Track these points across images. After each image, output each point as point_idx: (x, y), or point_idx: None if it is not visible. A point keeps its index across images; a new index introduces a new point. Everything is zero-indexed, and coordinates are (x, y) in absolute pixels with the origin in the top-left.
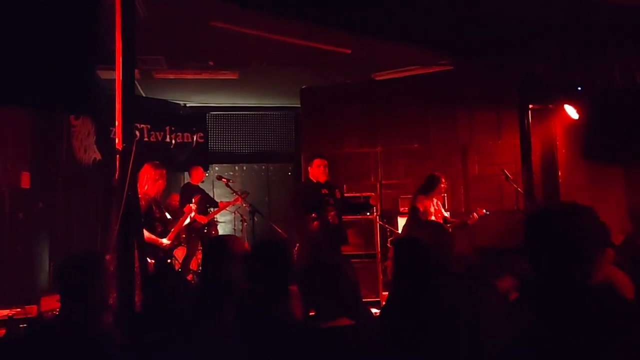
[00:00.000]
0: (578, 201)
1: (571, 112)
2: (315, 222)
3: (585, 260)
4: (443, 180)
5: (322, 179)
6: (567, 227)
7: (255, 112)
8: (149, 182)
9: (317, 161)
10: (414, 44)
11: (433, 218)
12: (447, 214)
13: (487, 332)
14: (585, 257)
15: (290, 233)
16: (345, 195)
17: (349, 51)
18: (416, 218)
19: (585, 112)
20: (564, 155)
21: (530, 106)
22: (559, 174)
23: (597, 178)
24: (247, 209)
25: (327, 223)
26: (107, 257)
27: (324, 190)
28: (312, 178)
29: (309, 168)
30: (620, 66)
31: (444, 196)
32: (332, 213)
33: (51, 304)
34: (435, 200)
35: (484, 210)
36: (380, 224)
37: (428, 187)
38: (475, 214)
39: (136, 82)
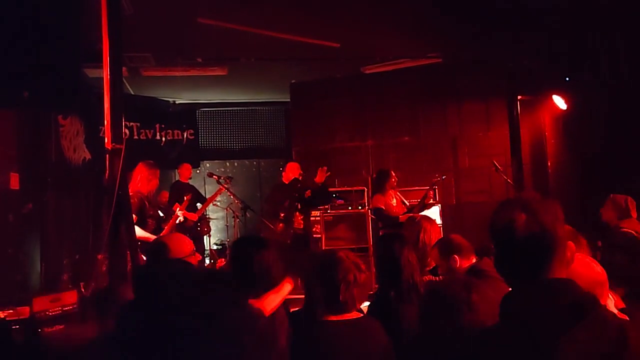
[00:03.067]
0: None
1: (559, 102)
2: (281, 225)
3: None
4: (392, 174)
5: (297, 178)
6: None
7: (245, 108)
8: (143, 180)
9: (290, 165)
10: (402, 37)
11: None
12: (407, 202)
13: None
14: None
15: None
16: (338, 189)
17: (338, 45)
18: (385, 218)
19: (573, 102)
20: (553, 145)
21: (519, 97)
22: (548, 164)
23: (585, 168)
24: (239, 205)
25: (291, 226)
26: (99, 256)
27: (295, 194)
28: (285, 181)
29: (282, 172)
30: (607, 57)
31: (435, 189)
32: (299, 218)
33: (43, 304)
34: (392, 194)
35: (440, 177)
36: (372, 218)
37: (381, 184)
38: (430, 190)
39: (124, 80)
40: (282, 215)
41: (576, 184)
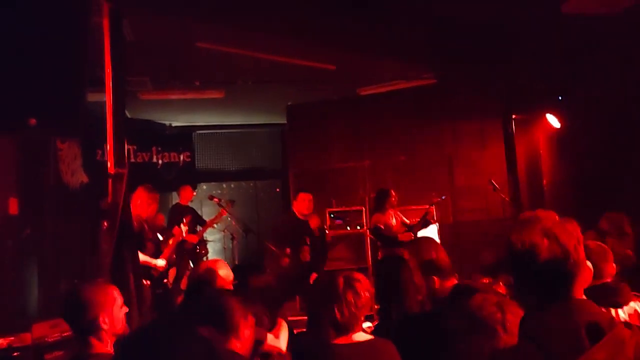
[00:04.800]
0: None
1: (553, 121)
2: (286, 259)
3: None
4: (392, 193)
5: (306, 213)
6: None
7: (242, 130)
8: (142, 205)
9: (301, 195)
10: (398, 59)
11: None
12: (407, 221)
13: None
14: None
15: (265, 256)
16: (336, 210)
17: (334, 67)
18: (384, 237)
19: (567, 121)
20: (548, 163)
21: (514, 116)
22: (544, 182)
23: (579, 186)
24: (237, 227)
25: (298, 260)
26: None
27: (306, 229)
28: (296, 212)
29: (293, 202)
30: (598, 75)
31: (434, 208)
32: (306, 253)
33: (43, 330)
34: (392, 213)
35: (440, 197)
36: (371, 238)
37: (380, 204)
38: (431, 207)
39: None
40: (288, 251)
41: (571, 201)
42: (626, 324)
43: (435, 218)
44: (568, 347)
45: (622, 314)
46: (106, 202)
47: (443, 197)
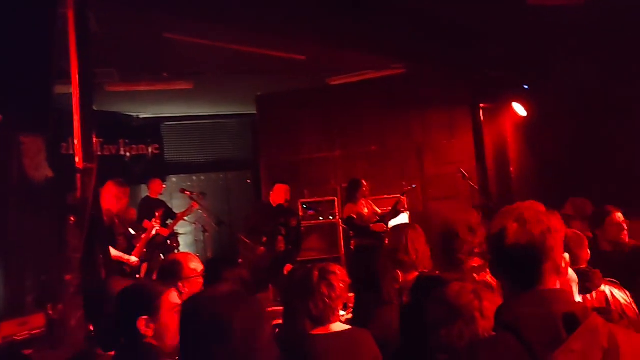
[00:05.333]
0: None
1: (519, 109)
2: (262, 248)
3: None
4: (364, 183)
5: (283, 204)
6: None
7: (211, 121)
8: (112, 199)
9: (278, 186)
10: (366, 49)
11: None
12: (379, 210)
13: None
14: None
15: (239, 247)
16: (308, 200)
17: (304, 58)
18: (356, 227)
19: (532, 109)
20: (515, 151)
21: (482, 105)
22: (511, 169)
23: (545, 172)
24: (209, 219)
25: (273, 251)
26: (67, 277)
27: (281, 219)
28: (272, 202)
29: (270, 192)
30: (564, 64)
31: (404, 197)
32: (281, 243)
33: (11, 329)
34: (364, 202)
35: (411, 186)
36: (343, 228)
37: (352, 194)
38: (401, 196)
39: None
40: (264, 239)
41: (538, 187)
42: (599, 310)
43: (405, 207)
44: (547, 338)
45: (590, 298)
46: (74, 196)
47: (413, 186)
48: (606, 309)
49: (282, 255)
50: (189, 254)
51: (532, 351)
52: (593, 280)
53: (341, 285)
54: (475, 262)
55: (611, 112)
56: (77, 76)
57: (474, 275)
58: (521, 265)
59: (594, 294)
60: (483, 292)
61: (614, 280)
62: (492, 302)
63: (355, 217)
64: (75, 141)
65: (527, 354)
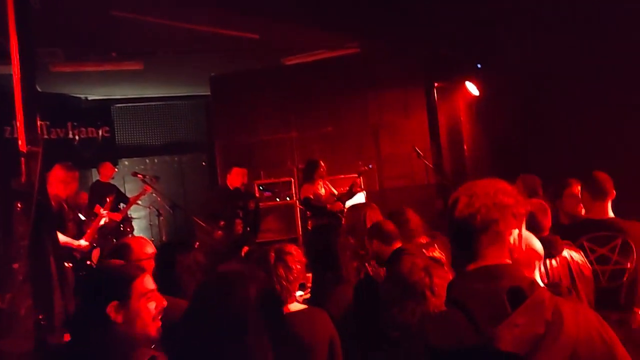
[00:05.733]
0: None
1: (472, 88)
2: (219, 232)
3: None
4: (321, 164)
5: (241, 187)
6: None
7: (164, 102)
8: (60, 185)
9: (235, 170)
10: (320, 27)
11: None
12: (335, 191)
13: None
14: None
15: (195, 230)
16: (265, 182)
17: (257, 36)
18: (313, 207)
19: (485, 88)
20: (468, 129)
21: (435, 84)
22: (465, 147)
23: (497, 150)
24: (164, 203)
25: (231, 234)
26: (15, 265)
27: (239, 202)
28: (229, 186)
29: (227, 175)
30: (514, 44)
31: (361, 178)
32: (240, 227)
33: None
34: (321, 183)
35: (367, 166)
36: (300, 209)
37: (309, 174)
38: (357, 176)
39: None
40: (222, 223)
41: (491, 165)
42: (550, 285)
43: (362, 186)
44: (491, 313)
45: (555, 263)
46: (19, 182)
47: (370, 166)
48: (557, 284)
49: (240, 237)
50: (140, 237)
51: (476, 326)
52: (556, 247)
53: (298, 266)
54: (423, 239)
55: (560, 91)
56: (17, 55)
57: (424, 250)
58: (462, 236)
59: (557, 259)
60: (434, 268)
61: (568, 242)
62: (442, 279)
63: (312, 197)
64: (18, 124)
65: (473, 329)
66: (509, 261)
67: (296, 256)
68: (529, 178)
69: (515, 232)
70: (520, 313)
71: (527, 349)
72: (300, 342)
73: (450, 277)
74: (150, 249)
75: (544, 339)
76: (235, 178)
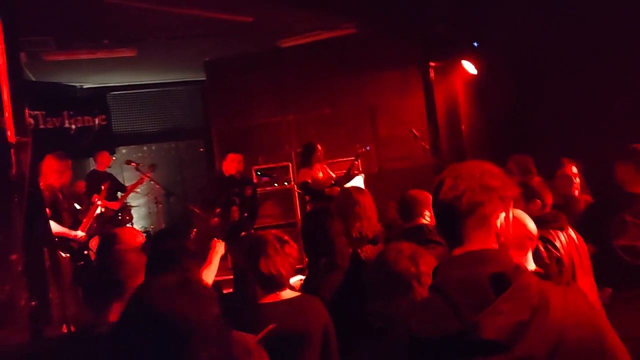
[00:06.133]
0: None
1: (469, 67)
2: (216, 219)
3: None
4: (318, 147)
5: (236, 174)
6: None
7: (160, 89)
8: (54, 174)
9: (230, 156)
10: (315, 8)
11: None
12: (333, 175)
13: None
14: None
15: (192, 218)
16: (263, 167)
17: (251, 19)
18: (312, 191)
19: (482, 67)
20: (466, 109)
21: (432, 64)
22: (462, 127)
23: (495, 129)
24: (161, 190)
25: (227, 221)
26: (13, 257)
27: (235, 189)
28: (225, 172)
29: (222, 162)
30: (511, 22)
31: (359, 160)
32: (236, 214)
33: None
34: (319, 167)
35: (365, 148)
36: (299, 193)
37: (307, 158)
38: (355, 159)
39: (23, 66)
40: (218, 210)
41: (488, 145)
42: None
43: (360, 169)
44: (474, 300)
45: (564, 239)
46: (10, 173)
47: (367, 148)
48: (547, 265)
49: (237, 224)
50: (128, 227)
51: (458, 313)
52: (564, 220)
53: (293, 252)
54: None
55: (557, 69)
56: (2, 44)
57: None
58: (447, 220)
59: (566, 234)
60: (421, 256)
61: None
62: (429, 267)
63: (310, 181)
64: (6, 114)
65: (455, 317)
66: (495, 246)
67: (291, 243)
68: (521, 158)
69: (502, 215)
70: (504, 300)
71: (511, 337)
72: (292, 330)
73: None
74: (139, 239)
75: (528, 326)
76: (231, 165)
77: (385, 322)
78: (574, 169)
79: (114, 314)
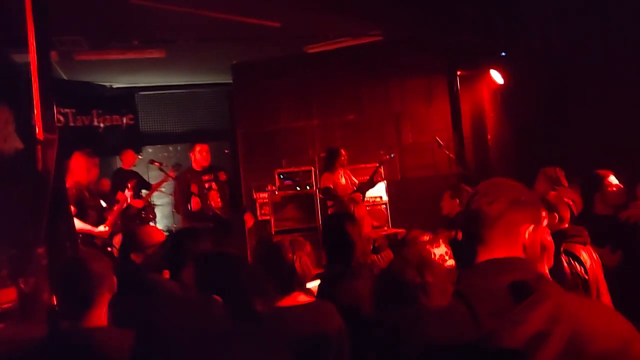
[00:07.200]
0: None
1: (496, 77)
2: (197, 200)
3: None
4: (342, 152)
5: (205, 164)
6: None
7: (187, 90)
8: (81, 171)
9: (197, 147)
10: (342, 15)
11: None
12: (356, 181)
13: None
14: None
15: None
16: (291, 170)
17: (278, 25)
18: (333, 197)
19: (510, 76)
20: (492, 119)
21: (459, 73)
22: (488, 137)
23: (522, 140)
24: None
25: (208, 208)
26: (39, 250)
27: (205, 177)
28: (193, 165)
29: (190, 154)
30: (540, 32)
31: (382, 167)
32: (217, 196)
33: None
34: (341, 172)
35: (389, 155)
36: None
37: (330, 163)
38: (379, 165)
39: (56, 65)
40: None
41: (515, 156)
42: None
43: (383, 176)
44: (494, 307)
45: (585, 256)
46: (37, 169)
47: (391, 155)
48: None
49: (221, 209)
50: (149, 226)
51: (477, 320)
52: (587, 236)
53: (309, 258)
54: (426, 236)
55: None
56: (34, 43)
57: (428, 247)
58: (476, 226)
59: (586, 252)
60: (428, 267)
61: None
62: (436, 277)
63: (332, 187)
64: (35, 111)
65: (474, 324)
66: (521, 255)
67: (308, 249)
68: (550, 170)
69: (531, 227)
70: (522, 309)
71: (530, 346)
72: (305, 336)
73: (444, 273)
74: (158, 237)
75: (548, 336)
76: (198, 156)
77: (390, 332)
78: (614, 179)
79: (89, 321)
